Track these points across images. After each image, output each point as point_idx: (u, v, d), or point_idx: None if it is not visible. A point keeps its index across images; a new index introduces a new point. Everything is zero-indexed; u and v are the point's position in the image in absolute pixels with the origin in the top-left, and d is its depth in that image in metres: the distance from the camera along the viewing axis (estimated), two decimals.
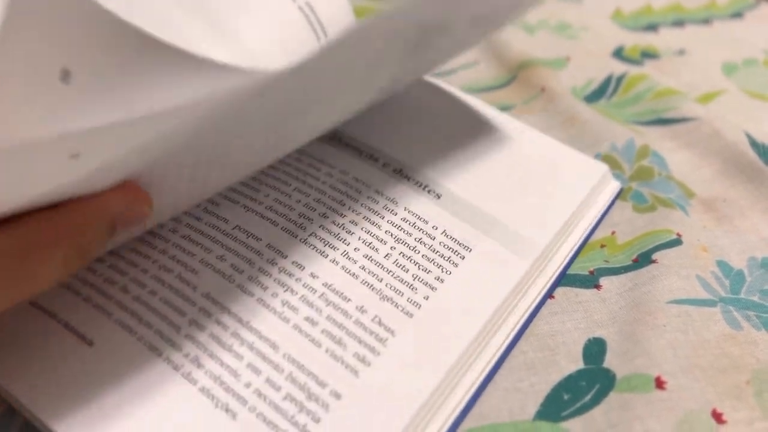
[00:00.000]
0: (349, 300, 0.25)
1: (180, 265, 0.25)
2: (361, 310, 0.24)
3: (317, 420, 0.21)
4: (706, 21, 0.48)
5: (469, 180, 0.31)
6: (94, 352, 0.22)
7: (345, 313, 0.24)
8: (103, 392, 0.21)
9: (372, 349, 0.23)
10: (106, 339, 0.23)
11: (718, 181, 0.35)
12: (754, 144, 0.36)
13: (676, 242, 0.30)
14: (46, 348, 0.22)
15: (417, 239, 0.27)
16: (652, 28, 0.47)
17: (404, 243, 0.27)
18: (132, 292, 0.24)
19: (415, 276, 0.26)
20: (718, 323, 0.27)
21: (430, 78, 0.37)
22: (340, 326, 0.24)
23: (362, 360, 0.23)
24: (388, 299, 0.25)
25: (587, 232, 0.31)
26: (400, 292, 0.25)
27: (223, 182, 0.24)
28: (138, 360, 0.22)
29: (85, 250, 0.20)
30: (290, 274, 0.25)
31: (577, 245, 0.30)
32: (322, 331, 0.24)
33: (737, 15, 0.48)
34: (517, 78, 0.41)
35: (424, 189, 0.30)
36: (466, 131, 0.34)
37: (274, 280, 0.25)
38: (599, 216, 0.32)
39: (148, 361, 0.22)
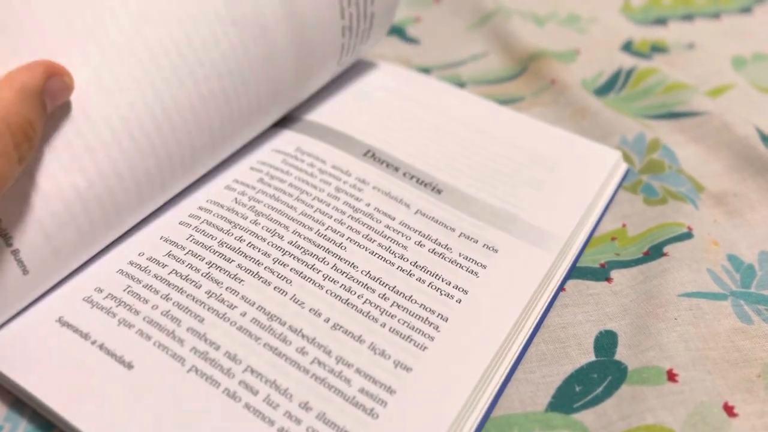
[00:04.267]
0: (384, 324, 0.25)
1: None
2: (396, 332, 0.25)
3: (384, 404, 0.22)
4: (715, 15, 0.48)
5: (486, 182, 0.31)
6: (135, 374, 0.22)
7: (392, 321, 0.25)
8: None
9: (410, 355, 0.24)
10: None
11: (728, 175, 0.35)
12: (764, 138, 0.35)
13: (687, 235, 0.30)
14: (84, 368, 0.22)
15: (444, 245, 0.28)
16: (661, 21, 0.47)
17: (432, 252, 0.27)
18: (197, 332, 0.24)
19: (447, 281, 0.26)
20: (729, 317, 0.27)
21: (438, 81, 0.37)
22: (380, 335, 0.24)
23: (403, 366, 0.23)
24: (413, 317, 0.25)
25: (598, 218, 0.31)
26: (429, 304, 0.26)
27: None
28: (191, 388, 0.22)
29: (29, 131, 0.20)
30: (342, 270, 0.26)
31: (590, 231, 0.30)
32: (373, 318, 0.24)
33: (746, 9, 0.48)
34: (526, 70, 0.41)
35: (438, 192, 0.30)
36: (476, 132, 0.34)
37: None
38: (608, 200, 0.32)
39: (201, 389, 0.22)
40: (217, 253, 0.26)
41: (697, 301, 0.27)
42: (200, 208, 0.28)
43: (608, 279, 0.29)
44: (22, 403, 0.23)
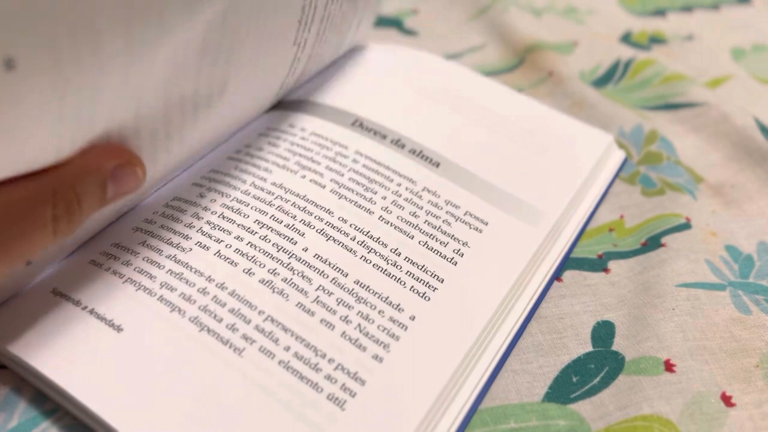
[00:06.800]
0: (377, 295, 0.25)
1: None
2: (380, 310, 0.24)
3: (353, 394, 0.22)
4: (714, 6, 0.47)
5: (479, 155, 0.31)
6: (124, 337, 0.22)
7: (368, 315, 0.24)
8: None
9: (389, 341, 0.23)
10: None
11: (727, 165, 0.34)
12: (762, 128, 0.35)
13: (685, 226, 0.30)
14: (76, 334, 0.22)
15: (437, 216, 0.28)
16: (660, 13, 0.47)
17: (426, 223, 0.27)
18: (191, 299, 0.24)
19: (436, 251, 0.26)
20: (727, 307, 0.27)
21: (433, 55, 0.37)
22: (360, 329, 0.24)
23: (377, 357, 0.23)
24: (406, 283, 0.25)
25: (595, 203, 0.31)
26: (417, 274, 0.25)
27: (200, 140, 0.24)
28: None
29: (74, 208, 0.19)
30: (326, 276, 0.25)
31: (586, 216, 0.30)
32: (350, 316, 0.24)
33: (745, 0, 0.48)
34: (524, 62, 0.41)
35: (436, 166, 0.30)
36: (472, 107, 0.34)
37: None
38: (606, 186, 0.32)
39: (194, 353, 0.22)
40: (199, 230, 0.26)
41: (695, 291, 0.27)
42: (195, 184, 0.28)
43: (606, 270, 0.29)
44: (20, 386, 0.23)
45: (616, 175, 0.33)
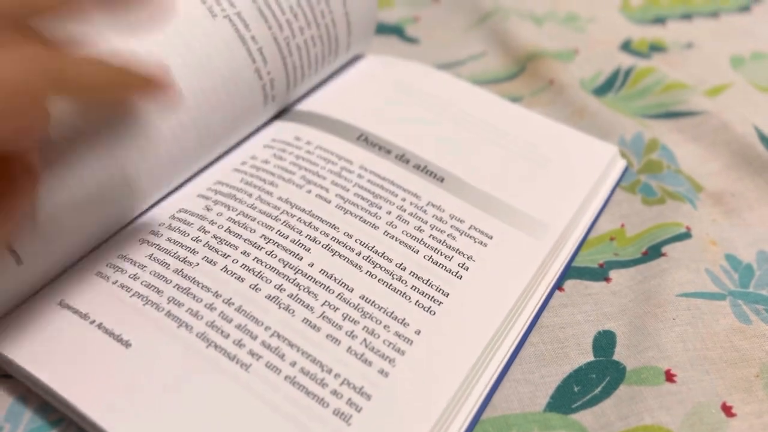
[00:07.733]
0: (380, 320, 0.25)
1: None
2: (385, 325, 0.24)
3: (359, 409, 0.22)
4: (713, 14, 0.48)
5: (483, 170, 0.31)
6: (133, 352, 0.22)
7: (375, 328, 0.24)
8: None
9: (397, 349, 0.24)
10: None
11: (727, 174, 0.35)
12: (762, 137, 0.36)
13: (686, 235, 0.30)
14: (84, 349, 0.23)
15: (441, 230, 0.28)
16: (659, 21, 0.47)
17: (431, 237, 0.28)
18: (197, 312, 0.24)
19: (441, 265, 0.26)
20: (728, 317, 0.27)
21: (438, 71, 0.37)
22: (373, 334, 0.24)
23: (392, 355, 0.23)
24: (411, 297, 0.25)
25: (595, 215, 0.31)
26: (422, 288, 0.26)
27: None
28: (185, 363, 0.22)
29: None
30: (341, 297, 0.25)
31: (588, 226, 0.31)
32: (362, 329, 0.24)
33: (745, 8, 0.48)
34: (525, 70, 0.41)
35: (440, 180, 0.30)
36: (475, 122, 0.34)
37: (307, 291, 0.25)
38: (607, 195, 0.32)
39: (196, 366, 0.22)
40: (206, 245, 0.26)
41: (695, 301, 0.28)
42: (200, 195, 0.28)
43: (607, 279, 0.29)
44: (25, 396, 0.23)
45: (617, 184, 0.33)
